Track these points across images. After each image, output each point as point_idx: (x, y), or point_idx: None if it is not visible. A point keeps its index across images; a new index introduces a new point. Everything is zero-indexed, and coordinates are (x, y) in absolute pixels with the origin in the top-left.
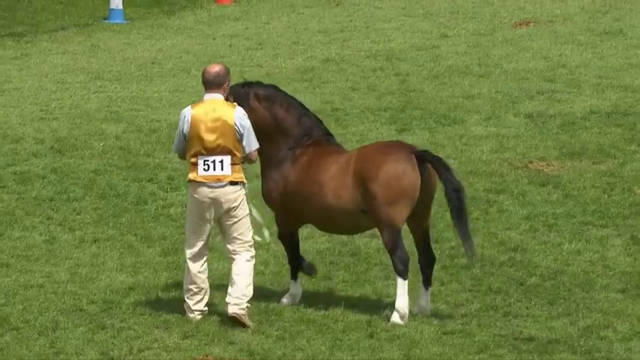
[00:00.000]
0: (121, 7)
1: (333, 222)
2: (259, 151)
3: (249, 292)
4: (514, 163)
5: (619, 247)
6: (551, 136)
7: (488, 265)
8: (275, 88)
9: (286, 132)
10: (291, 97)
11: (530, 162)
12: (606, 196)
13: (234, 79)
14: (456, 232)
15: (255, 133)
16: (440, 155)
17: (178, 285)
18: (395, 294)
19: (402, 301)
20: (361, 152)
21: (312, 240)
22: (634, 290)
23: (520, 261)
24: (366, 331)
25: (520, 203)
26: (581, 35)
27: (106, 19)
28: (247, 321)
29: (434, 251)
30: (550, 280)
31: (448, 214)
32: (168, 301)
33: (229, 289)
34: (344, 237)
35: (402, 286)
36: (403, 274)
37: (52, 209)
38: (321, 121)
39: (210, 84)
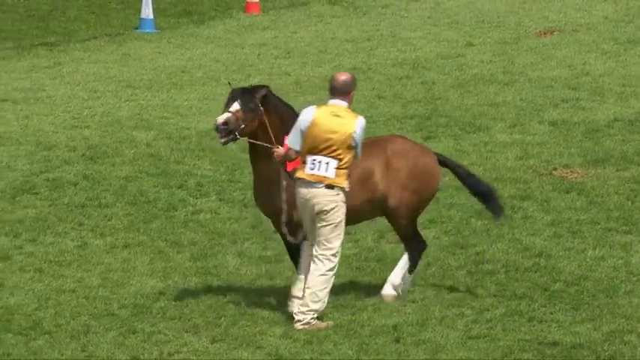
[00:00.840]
0: (151, 16)
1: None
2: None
3: (318, 307)
4: (539, 170)
5: None
6: (575, 144)
7: (512, 271)
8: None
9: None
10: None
11: (555, 169)
12: (630, 202)
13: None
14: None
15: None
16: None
17: (208, 289)
18: (393, 269)
19: (397, 275)
20: (393, 143)
21: None
22: None
23: (544, 267)
24: (392, 335)
25: (544, 210)
26: (604, 44)
27: (137, 28)
28: (316, 327)
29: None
30: (574, 285)
31: (473, 220)
32: (198, 306)
33: (300, 301)
34: (370, 242)
35: (402, 267)
36: (416, 262)
37: (84, 215)
38: None
39: (337, 91)
